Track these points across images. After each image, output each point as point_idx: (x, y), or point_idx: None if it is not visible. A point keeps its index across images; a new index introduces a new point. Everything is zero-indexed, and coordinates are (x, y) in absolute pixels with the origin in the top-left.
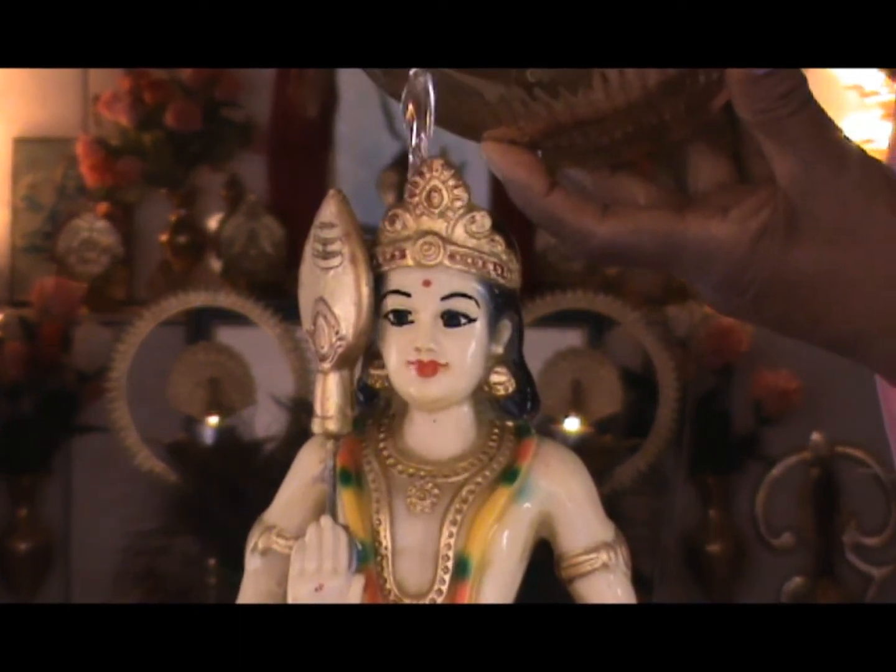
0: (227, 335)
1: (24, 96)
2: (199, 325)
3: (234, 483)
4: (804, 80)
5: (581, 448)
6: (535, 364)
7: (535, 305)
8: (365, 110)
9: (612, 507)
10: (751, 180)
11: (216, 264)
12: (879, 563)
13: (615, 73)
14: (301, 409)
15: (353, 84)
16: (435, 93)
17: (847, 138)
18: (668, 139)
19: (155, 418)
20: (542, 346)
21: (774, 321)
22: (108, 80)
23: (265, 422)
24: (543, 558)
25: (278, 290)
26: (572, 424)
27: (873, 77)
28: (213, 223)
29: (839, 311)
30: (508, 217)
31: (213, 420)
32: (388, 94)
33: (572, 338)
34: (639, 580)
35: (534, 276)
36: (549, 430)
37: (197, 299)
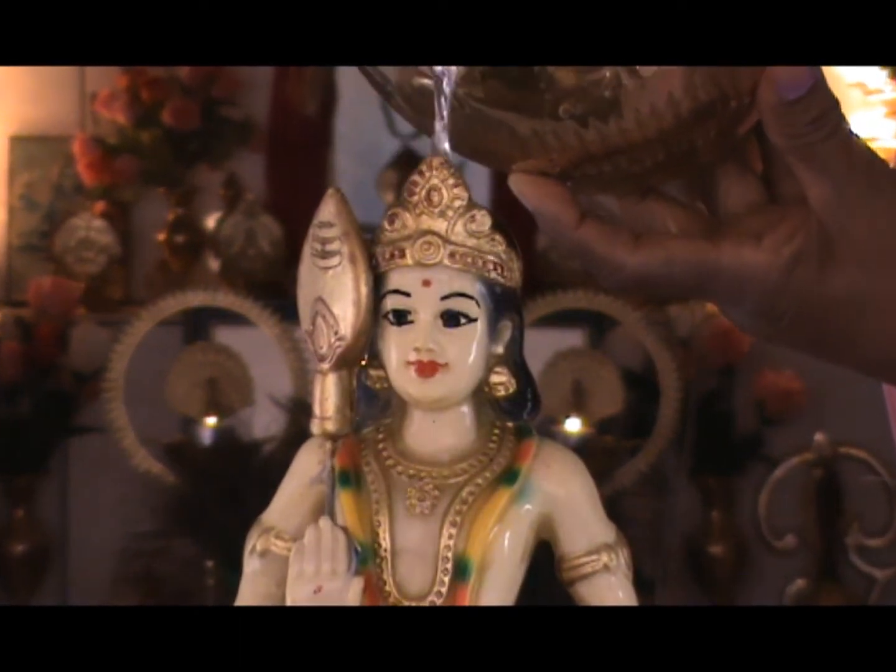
0: (225, 335)
1: (20, 94)
2: (197, 324)
3: (233, 484)
4: (836, 104)
5: (582, 449)
6: (535, 364)
7: (536, 305)
8: (364, 109)
9: (613, 508)
10: (781, 200)
11: (214, 264)
12: (883, 564)
13: (647, 103)
14: (300, 410)
15: (353, 82)
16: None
17: (879, 159)
18: (697, 163)
19: (153, 419)
20: (542, 345)
21: (810, 346)
22: (105, 78)
23: (264, 422)
24: (546, 560)
25: (277, 290)
26: (573, 425)
27: (876, 75)
28: (211, 222)
29: (875, 335)
30: (509, 216)
31: (212, 420)
32: (415, 127)
33: (573, 338)
34: (640, 582)
35: (534, 276)
36: (549, 431)
37: (195, 299)
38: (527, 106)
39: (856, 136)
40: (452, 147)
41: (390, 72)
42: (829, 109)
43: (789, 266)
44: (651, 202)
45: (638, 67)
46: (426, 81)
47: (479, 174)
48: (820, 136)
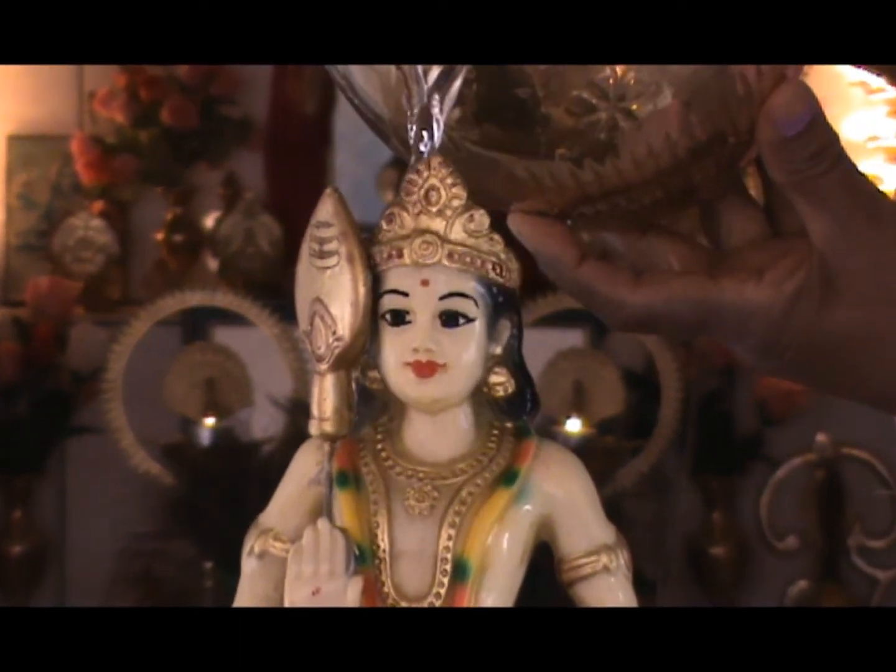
0: (224, 335)
1: (18, 93)
2: (196, 324)
3: (232, 485)
4: (835, 138)
5: (582, 449)
6: (535, 364)
7: (536, 305)
8: None
9: (614, 509)
10: (783, 233)
11: (213, 263)
12: (885, 566)
13: (643, 144)
14: (299, 411)
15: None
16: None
17: (881, 192)
18: (697, 200)
19: (151, 419)
20: (542, 345)
21: (816, 381)
22: (103, 77)
23: (263, 423)
24: (545, 561)
25: (276, 290)
26: (574, 425)
27: None
28: (209, 221)
29: (881, 371)
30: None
31: (210, 421)
32: (398, 155)
33: (574, 338)
34: (641, 583)
35: (535, 276)
36: (550, 431)
37: (193, 299)
38: (522, 147)
39: (857, 169)
40: None
41: (385, 112)
42: (828, 144)
43: (791, 301)
44: (652, 238)
45: (633, 108)
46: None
47: None
48: (819, 171)
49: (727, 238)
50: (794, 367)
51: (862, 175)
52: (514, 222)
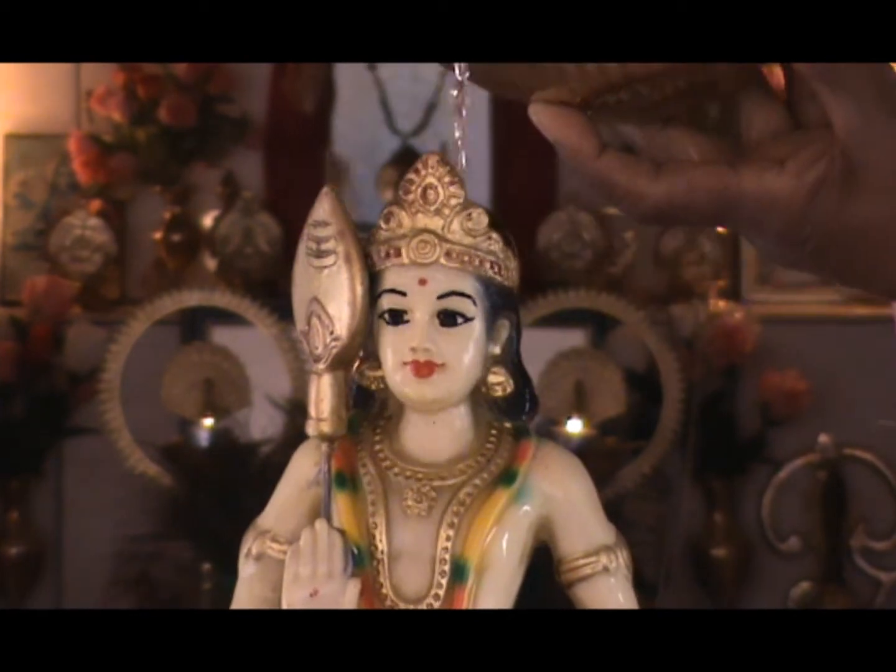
0: (222, 335)
1: (15, 92)
2: (194, 324)
3: (230, 486)
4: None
5: (584, 450)
6: (537, 364)
7: (537, 305)
8: (362, 106)
9: (616, 510)
10: (805, 126)
11: (211, 263)
12: (888, 567)
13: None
14: (298, 411)
15: (351, 79)
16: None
17: None
18: (719, 92)
19: (148, 420)
20: (544, 346)
21: (834, 272)
22: (100, 75)
23: (261, 424)
24: (545, 562)
25: (274, 289)
26: (575, 426)
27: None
28: (207, 221)
29: None
30: (510, 214)
31: (208, 422)
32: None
33: (575, 338)
34: (643, 585)
35: (536, 275)
36: (551, 432)
37: (191, 298)
38: None
39: (884, 62)
40: (473, 79)
41: None
42: None
43: (812, 191)
44: (672, 130)
45: None
46: None
47: (480, 172)
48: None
49: (748, 130)
50: (814, 259)
51: (888, 66)
52: (535, 112)
